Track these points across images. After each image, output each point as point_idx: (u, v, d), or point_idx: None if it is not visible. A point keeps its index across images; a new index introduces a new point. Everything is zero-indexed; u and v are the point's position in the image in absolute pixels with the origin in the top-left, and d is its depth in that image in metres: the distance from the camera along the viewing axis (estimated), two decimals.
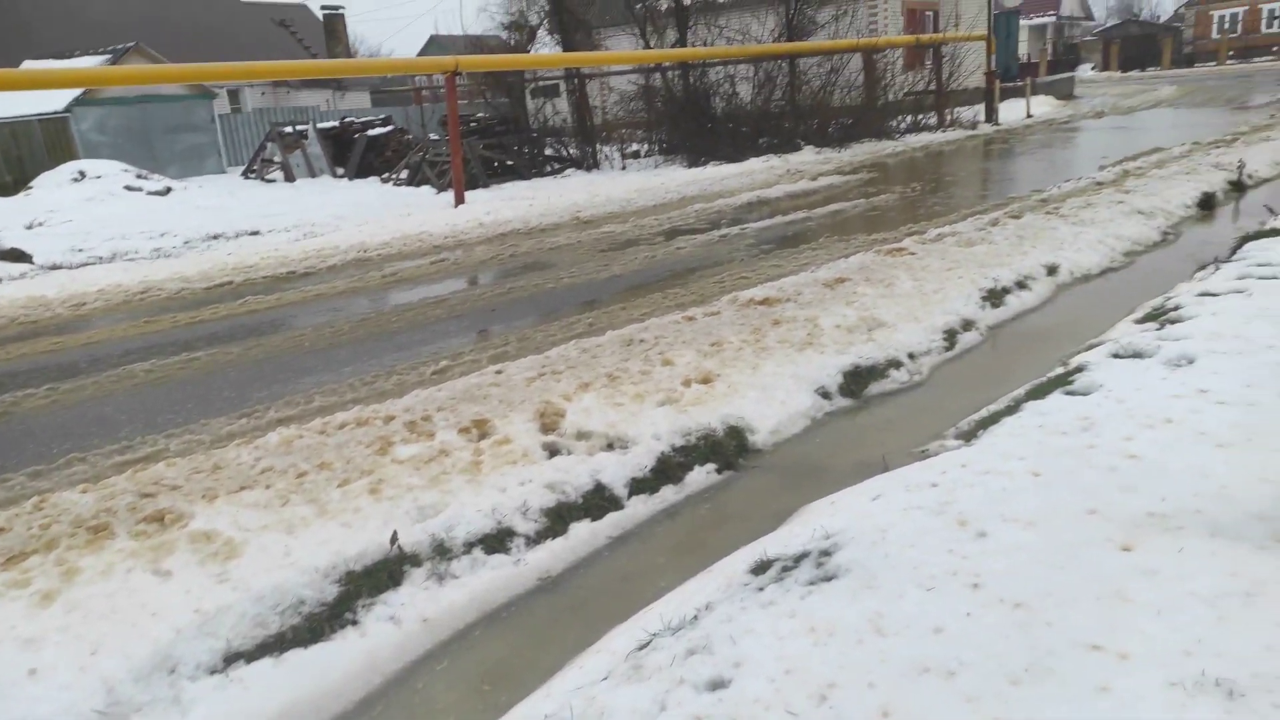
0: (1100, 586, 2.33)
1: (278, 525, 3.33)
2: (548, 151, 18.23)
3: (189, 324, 7.15)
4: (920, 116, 20.51)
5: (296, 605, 2.94)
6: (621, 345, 5.25)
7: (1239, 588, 2.25)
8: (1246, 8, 52.02)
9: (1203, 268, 6.24)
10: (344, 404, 4.77)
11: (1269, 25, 50.69)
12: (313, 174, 18.99)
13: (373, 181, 17.62)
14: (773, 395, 4.58)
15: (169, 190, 15.19)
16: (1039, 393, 4.13)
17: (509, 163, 16.83)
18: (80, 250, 11.00)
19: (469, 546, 3.30)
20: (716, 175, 14.97)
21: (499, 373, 4.87)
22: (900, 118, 19.96)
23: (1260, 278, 5.34)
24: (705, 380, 4.65)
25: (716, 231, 9.67)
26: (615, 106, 19.96)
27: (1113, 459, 3.12)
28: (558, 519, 3.55)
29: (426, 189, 15.53)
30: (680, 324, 5.64)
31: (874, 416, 4.62)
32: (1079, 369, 4.30)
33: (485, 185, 15.29)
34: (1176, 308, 5.08)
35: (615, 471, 3.82)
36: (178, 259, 10.30)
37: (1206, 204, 9.18)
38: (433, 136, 18.03)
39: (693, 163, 16.81)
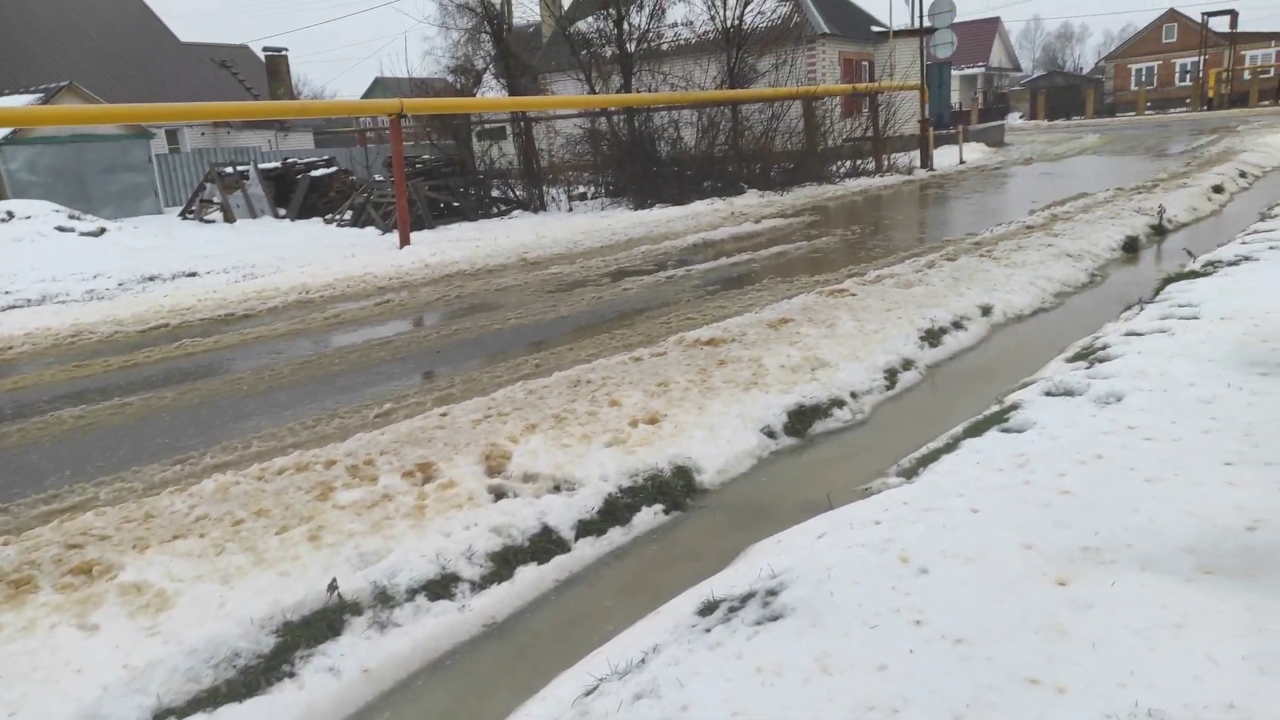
0: (1038, 620, 2.38)
1: (212, 575, 3.22)
2: (494, 193, 18.28)
3: (122, 368, 6.94)
4: (859, 162, 21.11)
5: (231, 658, 2.84)
6: (568, 386, 5.25)
7: (1169, 619, 2.32)
8: (1160, 61, 54.98)
9: (1128, 308, 6.49)
10: (283, 449, 4.66)
11: (1181, 79, 53.61)
12: (254, 215, 18.72)
13: (316, 222, 17.43)
14: (719, 435, 4.62)
15: (103, 231, 14.80)
16: (976, 430, 4.24)
17: (455, 204, 16.82)
18: (7, 293, 10.64)
19: (412, 593, 3.24)
20: (662, 217, 15.16)
21: (444, 415, 4.82)
22: (840, 163, 20.52)
23: (1181, 318, 5.58)
24: (652, 421, 4.66)
25: (663, 273, 9.77)
26: (562, 149, 20.15)
27: (1047, 494, 3.20)
28: (504, 563, 3.50)
29: (371, 230, 15.41)
30: (627, 365, 5.67)
31: (819, 455, 4.68)
32: (1014, 407, 4.42)
33: (431, 226, 15.24)
34: (1104, 347, 5.27)
35: (562, 514, 3.79)
36: (111, 301, 10.01)
37: (1130, 247, 9.59)
38: (377, 177, 17.94)
39: (639, 205, 17.01)
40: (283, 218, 18.45)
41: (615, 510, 3.93)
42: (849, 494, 3.84)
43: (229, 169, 19.53)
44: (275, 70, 31.20)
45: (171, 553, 3.35)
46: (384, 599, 3.20)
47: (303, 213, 18.38)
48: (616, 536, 3.81)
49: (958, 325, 6.62)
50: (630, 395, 4.97)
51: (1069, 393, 4.43)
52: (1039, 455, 3.61)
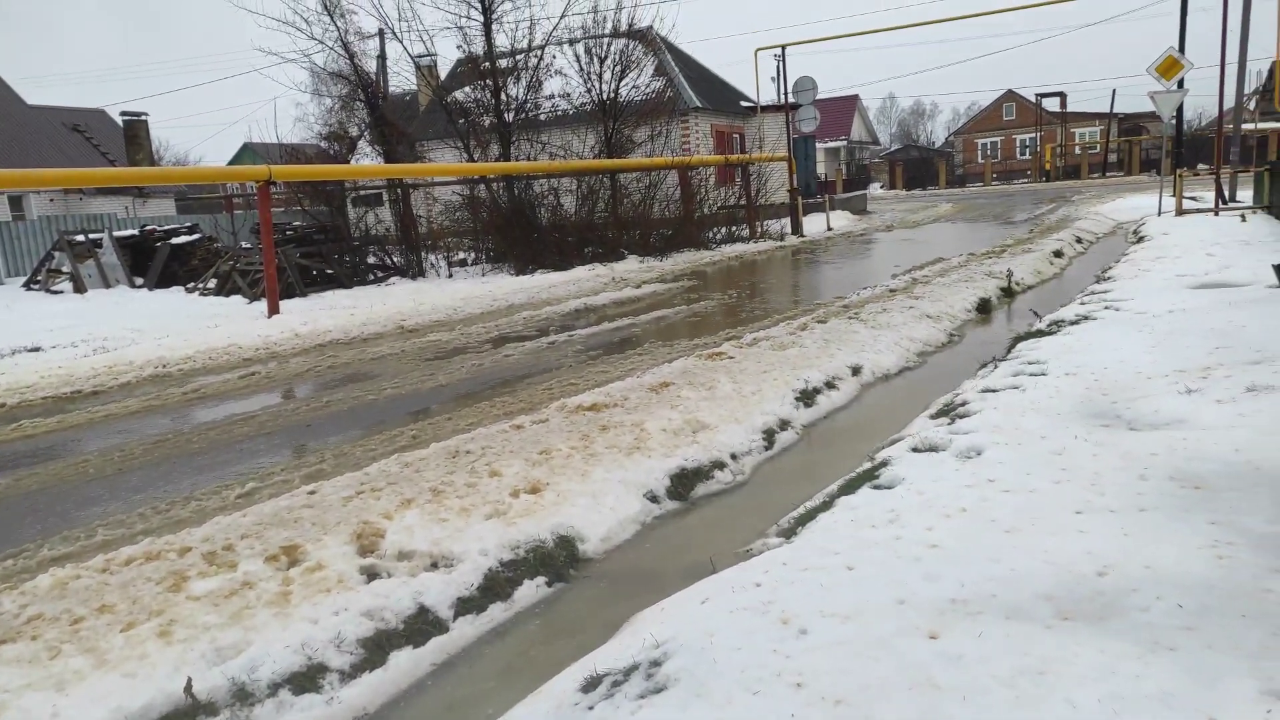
0: (912, 675, 2.42)
1: (45, 682, 2.92)
2: (370, 260, 17.91)
3: None
4: (734, 228, 21.89)
5: None
6: (447, 457, 5.11)
7: (1032, 667, 2.41)
8: (1003, 137, 59.96)
9: (984, 366, 6.90)
10: (132, 536, 4.31)
11: (1022, 153, 58.56)
12: (107, 284, 17.64)
13: (177, 292, 16.58)
14: (602, 502, 4.58)
15: None
16: (850, 488, 4.36)
17: (329, 271, 16.36)
18: None
19: (275, 688, 3.02)
20: (544, 283, 15.21)
21: (312, 493, 4.58)
22: (716, 229, 21.21)
23: (1031, 374, 5.96)
24: (534, 490, 4.58)
25: (545, 338, 9.75)
26: (441, 216, 20.02)
27: (917, 549, 3.31)
28: (377, 649, 3.32)
29: (237, 299, 14.77)
30: (508, 433, 5.57)
31: (701, 518, 4.70)
32: (884, 464, 4.58)
33: (303, 294, 14.75)
34: (964, 403, 5.56)
35: (440, 592, 3.64)
36: None
37: (984, 308, 10.25)
38: (245, 245, 17.28)
39: (520, 271, 17.02)
40: (140, 287, 17.47)
41: (496, 585, 3.81)
42: (731, 556, 3.85)
43: (80, 236, 18.39)
44: (134, 135, 29.80)
45: None
46: (243, 696, 2.96)
47: (162, 282, 17.46)
48: (498, 613, 3.69)
49: (830, 385, 6.86)
50: (511, 465, 4.88)
51: (934, 449, 4.63)
52: (908, 510, 3.73)
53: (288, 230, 16.98)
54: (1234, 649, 2.42)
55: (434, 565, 3.84)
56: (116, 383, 8.57)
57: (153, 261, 17.81)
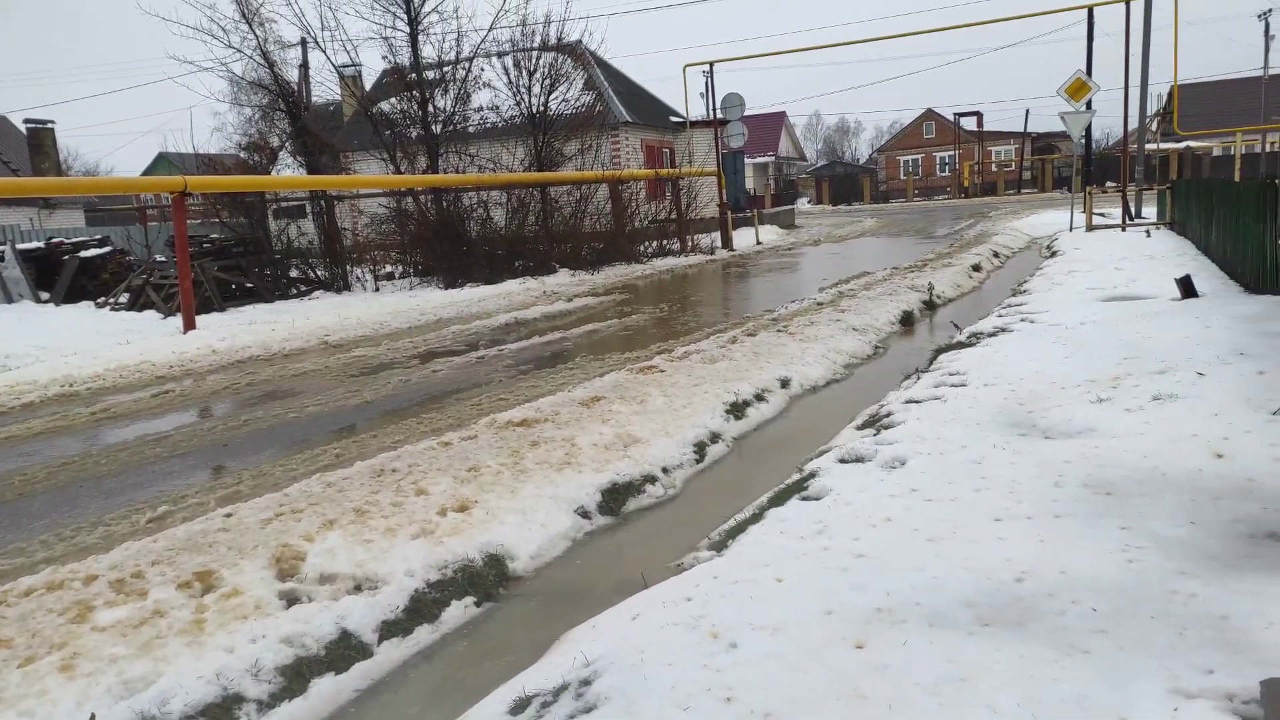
0: (840, 687, 2.44)
1: None
2: (293, 273, 17.45)
3: None
4: (665, 242, 22.03)
5: None
6: (372, 476, 4.98)
7: (954, 674, 2.45)
8: (923, 155, 61.93)
9: (907, 377, 7.06)
10: (33, 565, 4.09)
11: (941, 170, 60.56)
12: (9, 299, 16.79)
13: (86, 307, 15.85)
14: (532, 519, 4.52)
15: None
16: (779, 499, 4.40)
17: (249, 285, 15.88)
18: None
19: None
20: (474, 296, 15.04)
21: (229, 516, 4.41)
22: (647, 243, 21.31)
23: (952, 385, 6.12)
24: (462, 508, 4.50)
25: (474, 353, 9.62)
26: (367, 228, 19.64)
27: (844, 559, 3.35)
28: (297, 676, 3.20)
29: (151, 314, 14.20)
30: (436, 450, 5.47)
31: (633, 533, 4.68)
32: (812, 475, 4.64)
33: (221, 309, 14.27)
34: (889, 414, 5.67)
35: (363, 616, 3.54)
36: None
37: (907, 321, 10.52)
38: (159, 258, 16.65)
39: (449, 284, 16.79)
40: (46, 302, 16.66)
41: (423, 607, 3.72)
42: (663, 571, 3.84)
43: None
44: (39, 143, 28.49)
45: None
46: None
47: (70, 296, 16.68)
48: (424, 635, 3.60)
49: (760, 398, 6.93)
50: (439, 483, 4.79)
51: (860, 459, 4.71)
52: (836, 521, 3.78)
53: (205, 243, 16.44)
54: (1143, 650, 2.50)
55: (358, 588, 3.74)
56: (18, 403, 8.14)
57: (60, 275, 17.01)
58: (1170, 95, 23.81)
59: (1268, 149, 36.79)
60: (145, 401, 8.00)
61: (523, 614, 3.81)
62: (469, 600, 3.83)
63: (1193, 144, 40.72)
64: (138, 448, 6.35)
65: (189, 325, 11.93)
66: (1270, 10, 37.93)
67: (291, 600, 3.60)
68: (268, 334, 11.37)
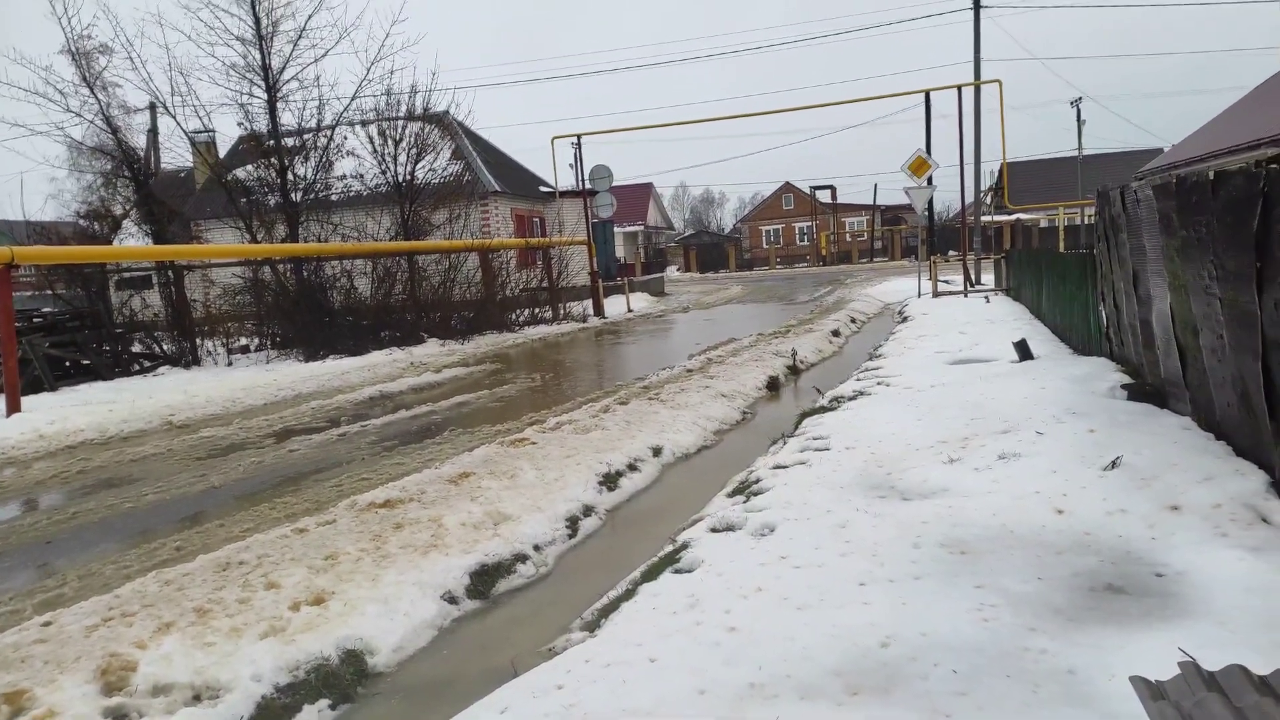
0: None
1: None
2: (136, 348, 16.34)
3: None
4: (537, 310, 22.00)
5: None
6: (216, 571, 4.61)
7: None
8: (784, 225, 64.95)
9: (774, 442, 7.21)
10: None
11: (801, 239, 63.65)
12: None
13: None
14: (395, 608, 4.28)
15: None
16: (652, 573, 4.34)
17: (85, 362, 14.74)
18: None
19: None
20: (337, 369, 14.47)
21: (47, 624, 3.96)
22: (519, 311, 21.21)
23: (816, 449, 6.29)
24: (318, 601, 4.21)
25: (335, 430, 9.20)
26: (220, 300, 18.67)
27: (717, 633, 3.32)
28: None
29: None
30: (289, 538, 5.13)
31: (503, 616, 4.50)
32: (684, 546, 4.62)
33: (53, 389, 13.15)
34: (757, 480, 5.76)
35: None
36: None
37: (773, 386, 10.82)
38: None
39: (310, 356, 16.10)
40: None
41: (270, 715, 3.42)
42: (534, 656, 3.70)
43: None
44: None
45: None
46: None
47: None
48: None
49: (632, 467, 6.90)
50: (292, 574, 4.48)
51: (730, 528, 4.73)
52: (707, 594, 3.76)
53: (35, 317, 15.21)
54: (1000, 710, 2.57)
55: (196, 698, 3.41)
56: None
57: None
58: (1001, 172, 26.04)
59: (1086, 221, 40.63)
60: None
61: (383, 714, 3.57)
62: (323, 704, 3.56)
63: (1023, 216, 44.60)
64: None
65: (13, 408, 10.90)
66: (1080, 98, 42.58)
67: (119, 718, 3.24)
68: (104, 415, 10.52)
